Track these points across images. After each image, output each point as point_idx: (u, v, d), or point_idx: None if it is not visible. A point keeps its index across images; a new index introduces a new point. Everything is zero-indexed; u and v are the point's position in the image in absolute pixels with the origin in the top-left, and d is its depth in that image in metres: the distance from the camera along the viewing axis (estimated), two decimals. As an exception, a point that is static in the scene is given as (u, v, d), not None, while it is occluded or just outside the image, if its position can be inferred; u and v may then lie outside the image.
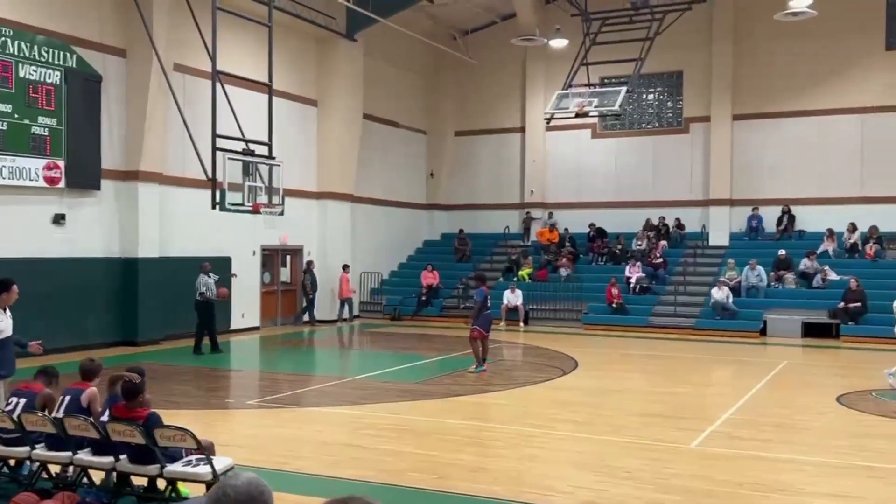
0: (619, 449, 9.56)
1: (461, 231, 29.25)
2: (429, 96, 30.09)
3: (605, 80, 24.92)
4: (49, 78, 16.75)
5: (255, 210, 17.54)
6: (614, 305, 23.40)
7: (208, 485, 6.48)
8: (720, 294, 22.35)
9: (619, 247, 26.41)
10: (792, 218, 25.54)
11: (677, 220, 26.80)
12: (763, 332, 21.77)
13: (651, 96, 28.13)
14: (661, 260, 25.17)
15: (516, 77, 29.26)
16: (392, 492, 7.63)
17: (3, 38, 15.91)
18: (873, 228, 23.91)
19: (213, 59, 16.75)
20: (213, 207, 16.69)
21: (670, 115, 27.74)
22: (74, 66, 17.29)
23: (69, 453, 7.00)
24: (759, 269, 23.22)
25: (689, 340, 20.97)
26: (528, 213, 28.85)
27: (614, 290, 23.50)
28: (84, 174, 17.49)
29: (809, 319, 21.65)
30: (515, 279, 25.64)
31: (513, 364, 17.75)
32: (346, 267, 24.59)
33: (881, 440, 10.18)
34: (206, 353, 17.42)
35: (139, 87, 18.47)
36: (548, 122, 24.60)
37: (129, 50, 18.53)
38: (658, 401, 12.97)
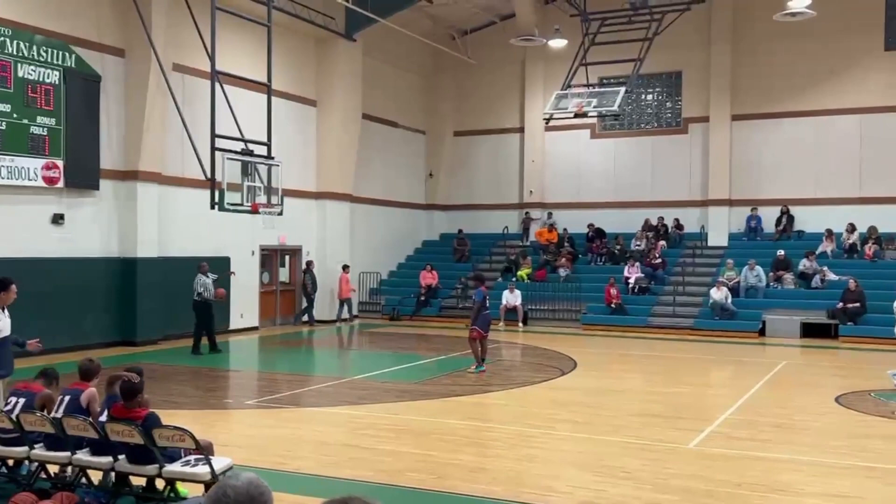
0: (618, 449, 9.56)
1: (460, 231, 29.26)
2: (428, 96, 30.10)
3: (604, 81, 24.91)
4: (48, 78, 16.74)
5: (254, 210, 17.53)
6: (613, 306, 23.40)
7: (207, 485, 6.48)
8: (719, 294, 22.36)
9: (618, 247, 26.42)
10: (791, 218, 25.55)
11: (676, 220, 26.81)
12: (762, 332, 21.78)
13: (650, 96, 28.14)
14: (659, 260, 25.18)
15: (515, 77, 29.27)
16: (391, 492, 7.63)
17: (1, 38, 15.90)
18: (872, 229, 23.93)
19: (212, 58, 16.76)
20: (212, 207, 16.69)
21: (669, 115, 27.76)
22: (73, 65, 17.28)
23: (68, 453, 6.99)
24: (758, 269, 23.24)
25: (687, 341, 20.98)
26: (527, 213, 28.86)
27: (613, 291, 23.51)
28: (83, 174, 17.48)
29: (808, 320, 21.66)
30: (514, 279, 25.64)
31: (512, 364, 17.75)
32: (345, 267, 24.59)
33: (880, 440, 10.19)
34: (205, 353, 17.41)
35: (138, 86, 18.47)
36: (547, 123, 24.62)
37: (127, 50, 18.52)
38: (657, 401, 12.97)
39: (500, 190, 29.67)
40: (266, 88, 18.02)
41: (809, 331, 21.47)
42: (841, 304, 21.13)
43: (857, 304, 20.97)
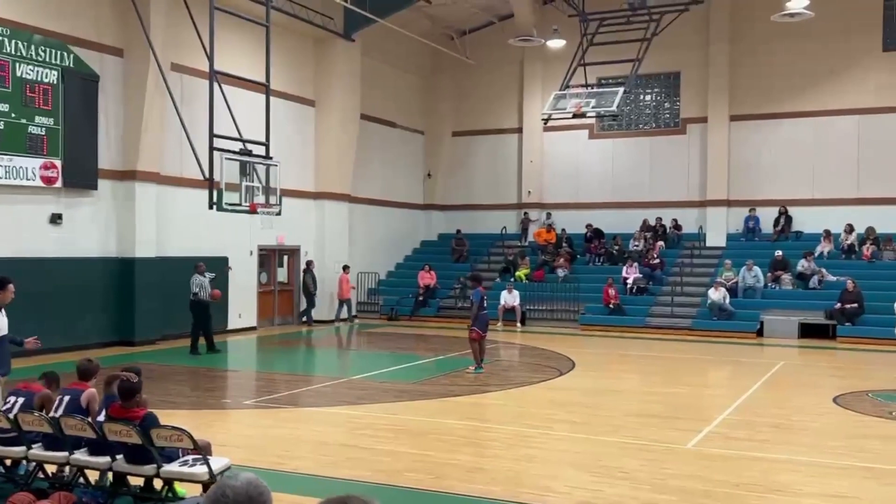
0: (616, 449, 9.57)
1: (458, 231, 29.26)
2: (426, 97, 30.10)
3: (603, 81, 24.94)
4: (46, 77, 16.72)
5: (253, 210, 17.52)
6: (611, 306, 23.41)
7: (205, 485, 6.48)
8: (717, 295, 22.37)
9: (617, 247, 26.44)
10: (789, 219, 25.57)
11: (674, 220, 26.83)
12: (760, 332, 21.79)
13: (648, 97, 28.15)
14: (658, 260, 25.20)
15: (514, 77, 29.27)
16: (389, 492, 7.63)
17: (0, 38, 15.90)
18: (870, 229, 23.95)
19: (210, 58, 16.74)
20: (211, 207, 16.67)
21: (667, 115, 27.77)
22: (72, 65, 17.26)
23: (66, 453, 6.99)
24: (756, 269, 23.26)
25: (685, 341, 20.99)
26: (525, 213, 28.87)
27: (611, 291, 23.52)
28: (81, 174, 17.46)
29: (806, 320, 21.68)
30: (513, 279, 25.65)
31: (510, 364, 17.75)
32: (346, 267, 24.61)
33: (877, 441, 10.20)
34: (203, 353, 17.41)
35: (136, 86, 18.46)
36: (545, 123, 24.63)
37: (126, 50, 18.52)
38: (655, 401, 12.98)
39: (499, 190, 29.68)
40: (265, 88, 18.00)
41: (807, 331, 21.49)
42: (839, 305, 21.15)
43: (855, 305, 20.99)
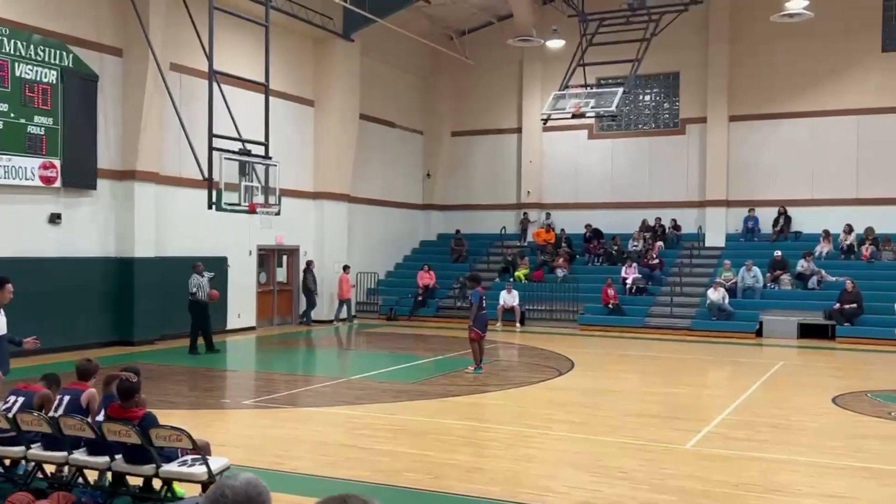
0: (615, 449, 9.57)
1: (458, 231, 29.26)
2: (425, 97, 30.10)
3: (602, 81, 24.96)
4: (45, 77, 16.72)
5: (252, 210, 17.51)
6: (610, 306, 23.42)
7: (204, 485, 6.48)
8: (716, 295, 22.38)
9: (616, 247, 26.44)
10: (788, 219, 25.58)
11: (673, 220, 26.84)
12: (759, 333, 21.80)
13: (647, 97, 28.16)
14: (657, 261, 25.20)
15: (513, 78, 29.28)
16: (387, 492, 7.62)
17: (-1, 37, 15.91)
18: (869, 230, 23.96)
19: (209, 58, 16.74)
20: (210, 207, 16.66)
21: (667, 116, 27.78)
22: (71, 65, 17.26)
23: (65, 453, 6.98)
24: (756, 270, 23.26)
25: (685, 341, 21.00)
26: (525, 213, 28.88)
27: (610, 291, 23.52)
28: (80, 174, 17.46)
29: (805, 320, 21.68)
30: (512, 280, 25.64)
31: (509, 364, 17.76)
32: (346, 267, 24.63)
33: (876, 441, 10.21)
34: (202, 353, 17.40)
35: (136, 86, 18.46)
36: (544, 123, 24.65)
37: (125, 49, 18.51)
38: (654, 401, 12.98)
39: (498, 190, 29.69)
40: (264, 88, 18.00)
41: (806, 331, 21.49)
42: (838, 305, 21.16)
43: (854, 305, 21.00)
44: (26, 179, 16.36)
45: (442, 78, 29.93)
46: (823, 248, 24.27)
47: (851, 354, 19.03)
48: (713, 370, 17.39)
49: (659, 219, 26.88)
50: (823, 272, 22.90)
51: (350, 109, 24.73)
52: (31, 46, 16.46)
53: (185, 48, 19.10)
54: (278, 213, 18.74)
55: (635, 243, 26.50)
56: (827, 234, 24.35)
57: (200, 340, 17.59)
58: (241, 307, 21.81)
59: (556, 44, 25.74)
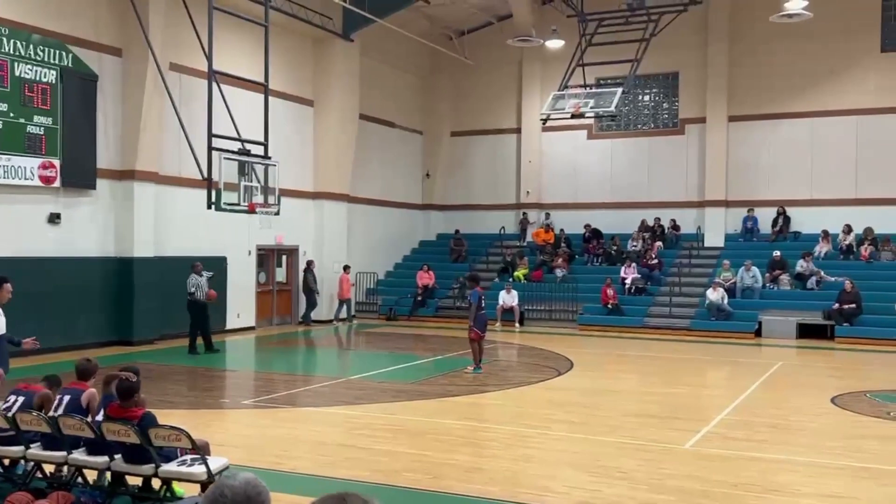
0: (614, 449, 9.57)
1: (457, 231, 29.26)
2: (425, 97, 30.11)
3: (601, 81, 24.97)
4: (45, 77, 16.72)
5: (251, 210, 17.51)
6: (609, 306, 23.42)
7: (203, 485, 6.48)
8: (715, 295, 22.38)
9: (615, 248, 26.44)
10: (787, 219, 25.59)
11: (673, 221, 26.85)
12: (758, 333, 21.80)
13: (647, 97, 28.16)
14: (656, 261, 25.21)
15: (512, 78, 29.28)
16: (387, 492, 7.63)
17: (-2, 37, 15.91)
18: (868, 230, 23.97)
19: (209, 58, 16.74)
20: (209, 207, 16.66)
21: (666, 116, 27.79)
22: (70, 65, 17.26)
23: (64, 453, 6.99)
24: (755, 270, 23.27)
25: (684, 341, 21.00)
26: (524, 213, 28.89)
27: (610, 291, 23.53)
28: (80, 173, 17.46)
29: (804, 320, 21.69)
30: (511, 280, 25.65)
31: (508, 364, 17.77)
32: (346, 267, 24.64)
33: (875, 441, 10.22)
34: (202, 352, 17.40)
35: (135, 86, 18.46)
36: (544, 123, 24.66)
37: (125, 49, 18.51)
38: (653, 401, 12.99)
39: (497, 190, 29.70)
40: (263, 88, 18.01)
41: (805, 332, 21.50)
42: (837, 305, 21.17)
43: (853, 305, 21.01)
44: (26, 179, 16.36)
45: (441, 78, 29.94)
46: (822, 248, 24.28)
47: (850, 354, 19.04)
48: (712, 370, 17.40)
49: (658, 219, 26.89)
50: (822, 272, 22.91)
51: (349, 109, 24.74)
52: (31, 46, 16.46)
53: (184, 48, 19.10)
54: (278, 213, 18.74)
55: (634, 243, 26.51)
56: (826, 234, 24.36)
57: (200, 340, 17.59)
58: (241, 307, 21.81)
59: (555, 44, 25.75)
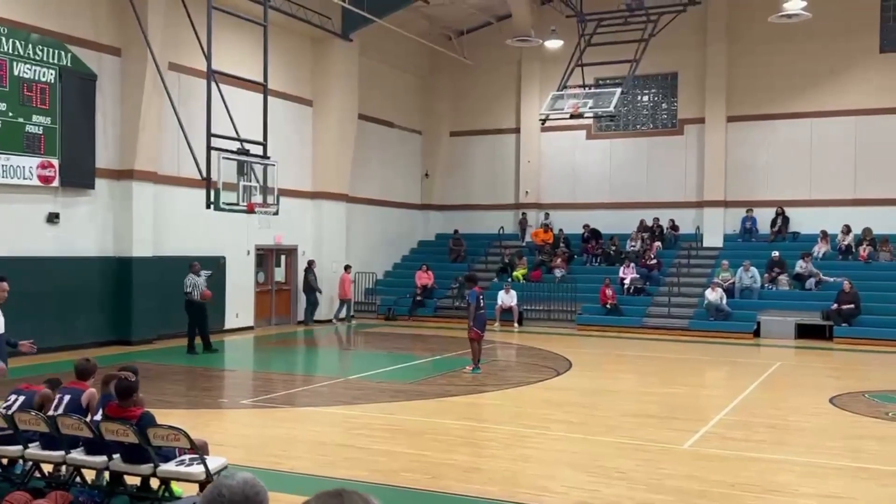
0: (612, 449, 9.58)
1: (456, 231, 29.26)
2: (424, 97, 30.11)
3: (600, 82, 24.97)
4: (44, 76, 16.71)
5: (250, 210, 17.51)
6: (608, 306, 23.43)
7: (202, 484, 6.48)
8: (714, 295, 22.40)
9: (614, 248, 26.45)
10: (786, 220, 25.61)
11: (671, 221, 26.86)
12: (757, 333, 21.82)
13: (646, 97, 28.18)
14: (655, 261, 25.22)
15: (511, 78, 29.29)
16: (385, 492, 7.63)
17: (-3, 37, 15.90)
18: (867, 230, 23.98)
19: (208, 58, 16.74)
20: (208, 207, 16.66)
21: (665, 116, 27.80)
22: (69, 64, 17.26)
23: (62, 452, 6.98)
24: (753, 270, 23.28)
25: (682, 341, 21.01)
26: (523, 213, 28.90)
27: (608, 291, 23.54)
28: (78, 173, 17.46)
29: (803, 321, 21.70)
30: (510, 280, 25.65)
31: (507, 364, 17.77)
32: (347, 267, 24.65)
33: (873, 442, 10.23)
34: (200, 352, 17.40)
35: (134, 85, 18.46)
36: (543, 123, 24.66)
37: (124, 49, 18.51)
38: (652, 401, 12.99)
39: (496, 190, 29.70)
40: (262, 88, 18.01)
41: (804, 332, 21.51)
42: (835, 306, 21.18)
43: (852, 306, 21.02)
44: (24, 179, 16.35)
45: (440, 78, 29.94)
46: (821, 248, 24.29)
47: (849, 355, 19.05)
48: (711, 370, 17.41)
49: (657, 219, 26.90)
50: (821, 273, 22.92)
51: (348, 109, 24.74)
52: (30, 46, 16.45)
53: (183, 48, 19.10)
54: (276, 213, 18.74)
55: (633, 243, 26.52)
56: (825, 234, 24.37)
57: (198, 340, 17.59)
58: (240, 307, 21.81)
59: (554, 44, 25.75)
